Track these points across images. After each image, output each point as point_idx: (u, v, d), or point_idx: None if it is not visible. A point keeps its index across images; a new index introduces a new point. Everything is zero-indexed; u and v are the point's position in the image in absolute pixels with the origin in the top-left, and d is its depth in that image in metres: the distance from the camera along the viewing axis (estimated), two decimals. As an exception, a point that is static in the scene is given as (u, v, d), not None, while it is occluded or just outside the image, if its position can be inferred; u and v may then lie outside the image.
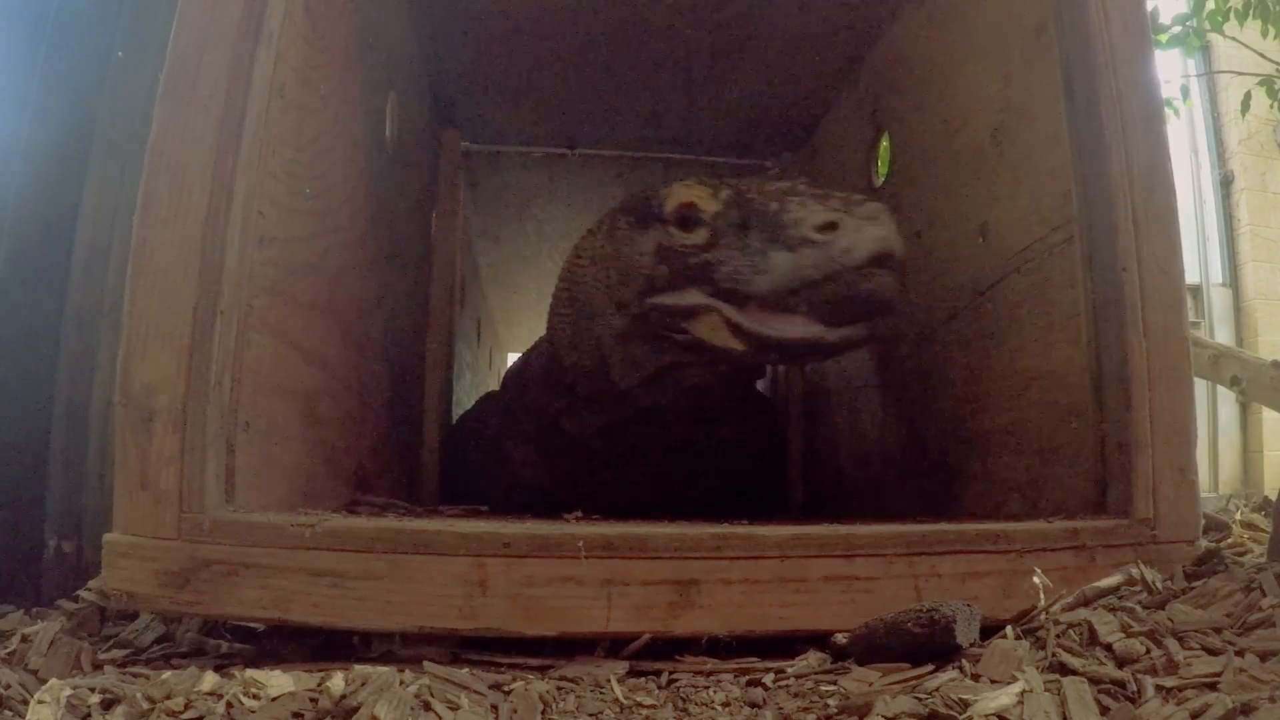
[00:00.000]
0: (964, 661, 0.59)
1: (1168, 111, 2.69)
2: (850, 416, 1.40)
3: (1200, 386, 3.65)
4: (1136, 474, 0.74)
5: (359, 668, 0.60)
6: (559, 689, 0.61)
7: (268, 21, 0.75)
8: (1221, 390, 3.46)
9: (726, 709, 0.59)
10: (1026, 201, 0.90)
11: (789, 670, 0.64)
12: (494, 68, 1.43)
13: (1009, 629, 0.63)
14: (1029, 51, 0.90)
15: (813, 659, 0.65)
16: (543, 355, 1.20)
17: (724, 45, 1.36)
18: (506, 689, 0.60)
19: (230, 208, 0.72)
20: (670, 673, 0.66)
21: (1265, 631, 0.58)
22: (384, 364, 1.18)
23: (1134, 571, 0.68)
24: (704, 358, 0.94)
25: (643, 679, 0.65)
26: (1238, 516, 1.14)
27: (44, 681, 0.60)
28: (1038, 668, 0.56)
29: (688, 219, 0.92)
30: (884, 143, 1.32)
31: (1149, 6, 1.08)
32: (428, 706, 0.55)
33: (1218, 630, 0.59)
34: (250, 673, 0.59)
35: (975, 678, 0.56)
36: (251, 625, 0.72)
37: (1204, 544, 0.76)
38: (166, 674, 0.61)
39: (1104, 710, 0.51)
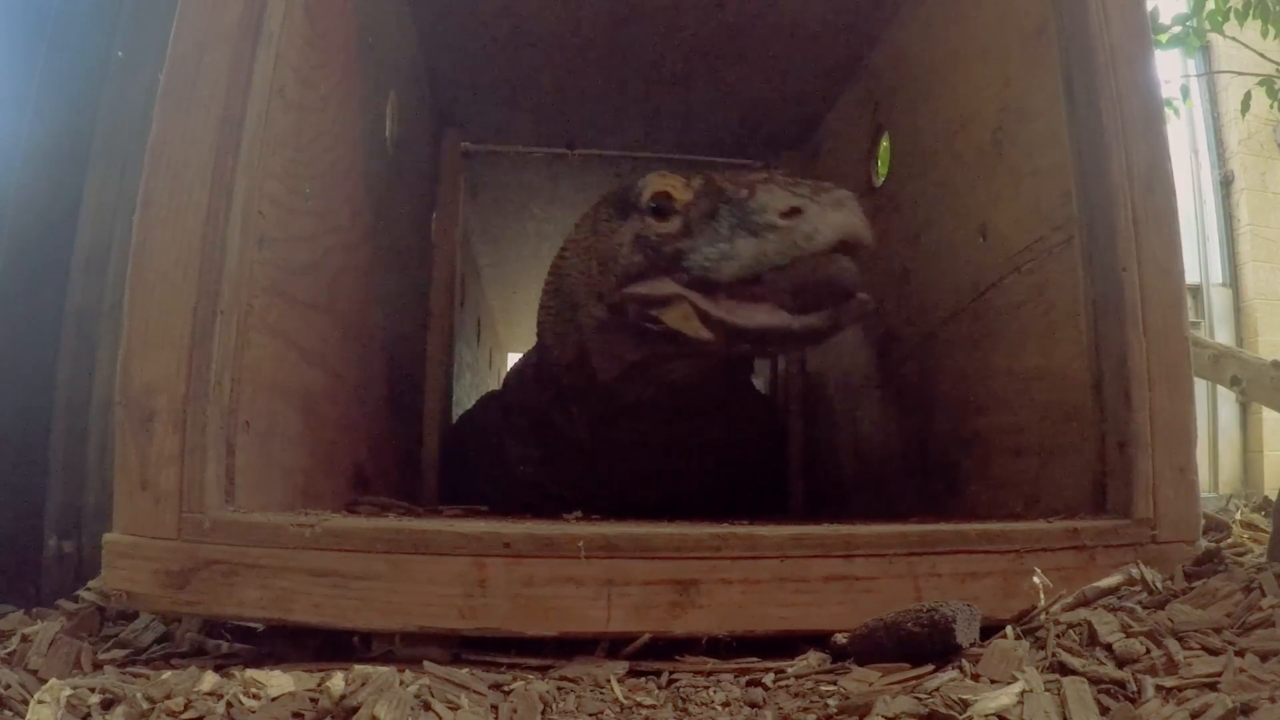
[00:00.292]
0: (964, 661, 0.59)
1: (1168, 111, 2.68)
2: (850, 416, 1.40)
3: (1200, 386, 3.65)
4: (1136, 474, 0.74)
5: (359, 668, 0.60)
6: (559, 689, 0.61)
7: (268, 21, 0.75)
8: (1221, 390, 3.46)
9: (726, 709, 0.59)
10: (1027, 201, 0.90)
11: (789, 670, 0.64)
12: (494, 68, 1.43)
13: (1009, 629, 0.63)
14: (1029, 52, 0.90)
15: (813, 659, 0.65)
16: (535, 350, 1.20)
17: (724, 45, 1.36)
18: (506, 689, 0.60)
19: (230, 208, 0.72)
20: (670, 673, 0.66)
21: (1265, 631, 0.58)
22: (384, 364, 1.18)
23: (1134, 571, 0.68)
24: (680, 349, 0.94)
25: (643, 679, 0.65)
26: (1238, 516, 1.14)
27: (44, 681, 0.60)
28: (1038, 668, 0.56)
29: (662, 208, 0.93)
30: (884, 143, 1.32)
31: (1149, 6, 1.08)
32: (428, 706, 0.55)
33: (1218, 630, 0.58)
34: (250, 673, 0.59)
35: (975, 678, 0.56)
36: (251, 625, 0.72)
37: (1204, 544, 0.75)
38: (166, 674, 0.61)
39: (1104, 710, 0.51)
